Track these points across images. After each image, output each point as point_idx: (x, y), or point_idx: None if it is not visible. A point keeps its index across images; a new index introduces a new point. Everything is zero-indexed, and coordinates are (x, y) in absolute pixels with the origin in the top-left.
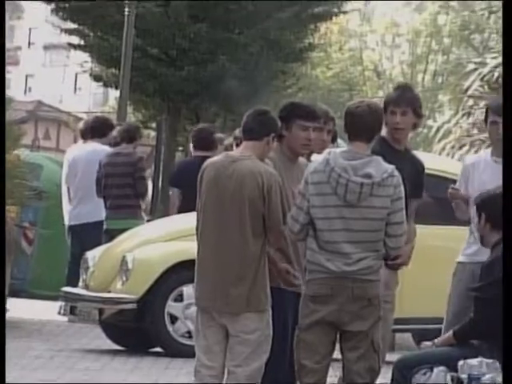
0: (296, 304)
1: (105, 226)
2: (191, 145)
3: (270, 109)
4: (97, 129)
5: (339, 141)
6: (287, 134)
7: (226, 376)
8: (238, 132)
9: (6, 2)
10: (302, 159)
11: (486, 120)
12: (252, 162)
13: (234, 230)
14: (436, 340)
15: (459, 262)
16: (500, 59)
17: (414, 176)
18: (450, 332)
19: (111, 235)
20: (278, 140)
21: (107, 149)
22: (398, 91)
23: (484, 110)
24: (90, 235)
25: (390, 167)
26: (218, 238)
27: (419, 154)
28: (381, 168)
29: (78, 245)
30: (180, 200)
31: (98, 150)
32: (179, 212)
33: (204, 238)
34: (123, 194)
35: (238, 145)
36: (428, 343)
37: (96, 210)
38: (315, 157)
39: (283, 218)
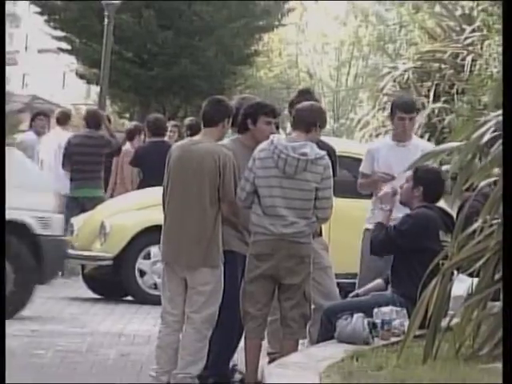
0: (244, 263)
1: (74, 195)
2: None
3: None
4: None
5: (280, 130)
6: (253, 128)
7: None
8: (187, 121)
9: (7, 14)
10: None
11: (392, 115)
12: (210, 144)
13: (195, 200)
14: (360, 290)
15: (366, 229)
16: (409, 64)
17: None
18: (373, 283)
19: (81, 203)
20: (240, 132)
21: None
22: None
23: None
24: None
25: (322, 152)
26: (182, 207)
27: (343, 141)
28: (314, 150)
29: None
30: (140, 178)
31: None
32: (138, 188)
33: (170, 207)
34: (92, 169)
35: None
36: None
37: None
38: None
39: (234, 191)
